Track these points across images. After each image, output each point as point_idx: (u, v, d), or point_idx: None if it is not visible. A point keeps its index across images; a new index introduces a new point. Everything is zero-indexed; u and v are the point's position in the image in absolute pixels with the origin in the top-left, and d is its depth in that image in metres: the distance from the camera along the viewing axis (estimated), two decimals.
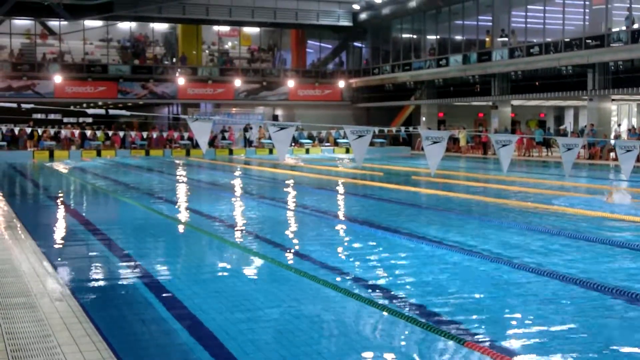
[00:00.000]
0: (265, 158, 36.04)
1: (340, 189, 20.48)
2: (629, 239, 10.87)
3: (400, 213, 14.65)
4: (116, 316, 6.94)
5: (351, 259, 9.77)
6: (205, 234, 11.94)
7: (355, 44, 47.32)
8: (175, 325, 6.68)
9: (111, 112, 11.75)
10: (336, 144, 41.79)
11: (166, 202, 16.57)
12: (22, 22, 41.88)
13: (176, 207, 15.96)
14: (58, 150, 35.33)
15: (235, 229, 12.55)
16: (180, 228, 13.07)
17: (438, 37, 39.77)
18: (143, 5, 38.67)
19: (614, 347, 6.14)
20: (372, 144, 32.49)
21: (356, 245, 11.13)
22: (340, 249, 10.68)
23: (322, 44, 47.85)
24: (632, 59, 28.33)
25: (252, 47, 46.84)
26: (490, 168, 27.71)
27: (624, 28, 28.43)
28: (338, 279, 8.37)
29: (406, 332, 6.53)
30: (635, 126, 35.84)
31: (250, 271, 9.18)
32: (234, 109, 45.18)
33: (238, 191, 20.04)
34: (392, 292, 7.85)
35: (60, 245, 10.97)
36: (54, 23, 41.72)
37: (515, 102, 37.94)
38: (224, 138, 40.23)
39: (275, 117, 45.49)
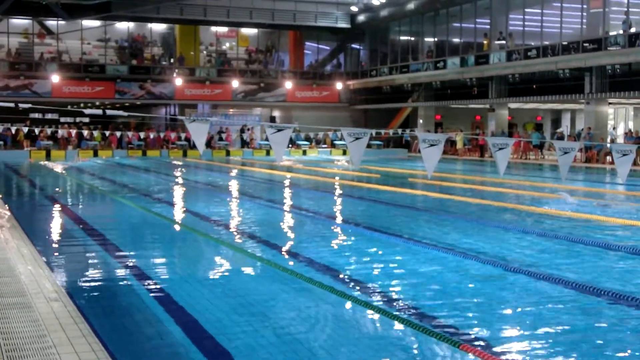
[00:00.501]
0: (263, 159, 36.02)
1: (337, 190, 20.49)
2: (623, 241, 10.88)
3: (397, 215, 14.66)
4: (112, 317, 6.94)
5: (347, 261, 9.77)
6: (201, 234, 11.94)
7: (353, 45, 47.35)
8: (171, 325, 6.69)
9: (108, 112, 11.75)
10: (333, 145, 41.79)
11: (162, 203, 16.56)
12: (19, 22, 41.81)
13: (172, 207, 15.95)
14: (55, 150, 35.28)
15: (231, 229, 12.56)
16: (177, 229, 13.07)
17: (436, 39, 39.80)
18: (141, 5, 38.60)
19: (607, 351, 6.16)
20: (369, 146, 32.46)
21: (352, 246, 11.13)
22: (336, 251, 10.68)
23: (320, 46, 47.88)
24: (629, 63, 28.38)
25: (249, 48, 46.84)
26: (487, 171, 27.74)
27: (621, 32, 28.47)
28: (334, 280, 8.37)
29: (401, 334, 6.54)
30: (632, 130, 35.91)
31: (246, 272, 9.18)
32: (231, 110, 45.17)
33: (235, 192, 20.04)
34: (387, 294, 7.86)
35: (56, 246, 10.96)
36: (51, 22, 41.68)
37: (513, 105, 37.99)
38: (220, 139, 40.21)
39: (272, 119, 45.49)
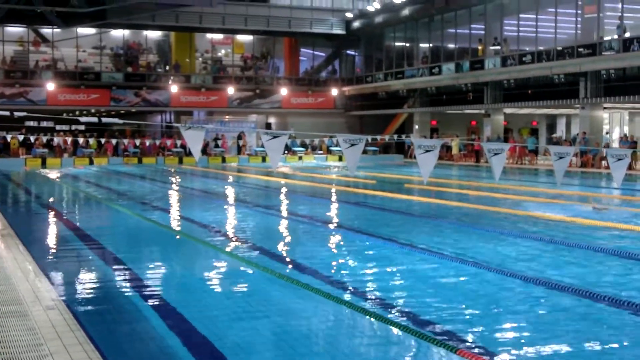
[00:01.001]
0: (259, 166, 36.02)
1: (333, 196, 20.48)
2: (622, 247, 10.90)
3: (393, 221, 14.65)
4: (108, 324, 6.93)
5: (343, 267, 9.77)
6: (197, 241, 11.93)
7: (349, 52, 47.44)
8: (167, 332, 6.68)
9: (104, 120, 11.76)
10: (329, 151, 41.82)
11: (158, 210, 16.54)
12: (14, 30, 41.81)
13: (168, 215, 15.93)
14: (50, 158, 35.22)
15: (227, 236, 12.55)
16: (172, 236, 13.05)
17: (431, 45, 39.90)
18: (136, 13, 38.63)
19: (605, 357, 6.17)
20: (364, 152, 32.57)
21: (348, 252, 11.11)
22: (332, 257, 10.68)
23: (316, 52, 47.94)
24: (623, 68, 28.49)
25: (245, 55, 46.88)
26: (483, 176, 27.77)
27: (615, 37, 28.59)
28: (330, 286, 8.37)
29: (398, 340, 6.53)
30: (627, 134, 36.01)
31: (241, 278, 9.17)
32: (227, 116, 45.18)
33: (230, 199, 20.03)
34: (384, 300, 7.86)
35: (53, 254, 10.94)
36: (47, 30, 41.69)
37: (508, 110, 38.06)
38: (216, 146, 40.21)
39: (268, 125, 45.50)
